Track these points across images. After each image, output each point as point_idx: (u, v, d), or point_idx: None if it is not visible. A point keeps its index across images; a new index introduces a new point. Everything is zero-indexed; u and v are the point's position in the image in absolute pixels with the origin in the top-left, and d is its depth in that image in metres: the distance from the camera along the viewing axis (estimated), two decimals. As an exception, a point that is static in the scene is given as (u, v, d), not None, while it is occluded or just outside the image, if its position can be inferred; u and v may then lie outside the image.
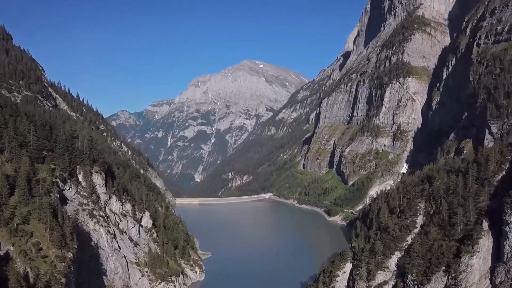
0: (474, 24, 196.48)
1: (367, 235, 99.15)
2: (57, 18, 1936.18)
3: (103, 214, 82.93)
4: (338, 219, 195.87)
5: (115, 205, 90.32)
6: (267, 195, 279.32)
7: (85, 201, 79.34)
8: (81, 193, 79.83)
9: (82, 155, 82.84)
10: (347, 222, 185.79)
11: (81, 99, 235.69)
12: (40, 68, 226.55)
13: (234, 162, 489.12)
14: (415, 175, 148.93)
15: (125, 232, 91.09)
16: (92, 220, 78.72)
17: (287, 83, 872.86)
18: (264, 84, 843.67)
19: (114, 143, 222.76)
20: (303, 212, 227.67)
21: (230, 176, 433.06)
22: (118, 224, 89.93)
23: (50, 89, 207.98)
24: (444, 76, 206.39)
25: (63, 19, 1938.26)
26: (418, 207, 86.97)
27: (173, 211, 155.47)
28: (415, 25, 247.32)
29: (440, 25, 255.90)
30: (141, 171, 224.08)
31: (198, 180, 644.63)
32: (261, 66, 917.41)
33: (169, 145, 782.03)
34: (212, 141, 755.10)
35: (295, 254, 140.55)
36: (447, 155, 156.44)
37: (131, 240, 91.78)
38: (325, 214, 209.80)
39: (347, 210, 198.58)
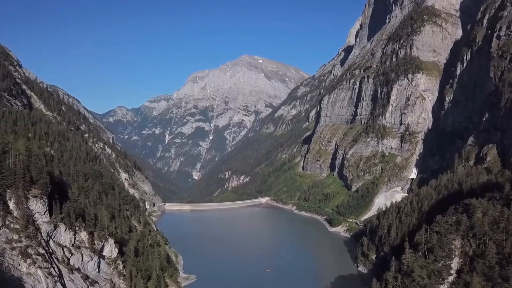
0: (492, 14, 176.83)
1: (385, 279, 78.70)
2: (54, 14, 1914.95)
3: (44, 251, 64.20)
4: (341, 230, 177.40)
5: (64, 236, 71.68)
6: (264, 200, 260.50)
7: (15, 236, 60.78)
8: (11, 226, 61.27)
9: (13, 176, 64.15)
10: (351, 234, 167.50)
11: (61, 97, 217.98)
12: (15, 63, 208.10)
13: (232, 161, 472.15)
14: (430, 185, 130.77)
15: (78, 269, 72.46)
16: (25, 261, 60.15)
17: (286, 79, 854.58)
18: (263, 79, 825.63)
19: (96, 145, 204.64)
20: (302, 220, 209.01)
21: (227, 176, 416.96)
22: (68, 260, 71.30)
23: (24, 86, 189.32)
24: (458, 72, 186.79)
25: (60, 15, 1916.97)
26: (453, 246, 67.28)
27: (154, 227, 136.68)
28: (424, 16, 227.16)
29: (451, 17, 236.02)
30: (126, 176, 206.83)
31: (196, 178, 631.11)
32: (260, 61, 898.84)
33: (166, 141, 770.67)
34: (210, 137, 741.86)
35: (292, 277, 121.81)
36: (466, 162, 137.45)
37: (86, 278, 73.16)
38: (327, 223, 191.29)
39: (350, 220, 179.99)
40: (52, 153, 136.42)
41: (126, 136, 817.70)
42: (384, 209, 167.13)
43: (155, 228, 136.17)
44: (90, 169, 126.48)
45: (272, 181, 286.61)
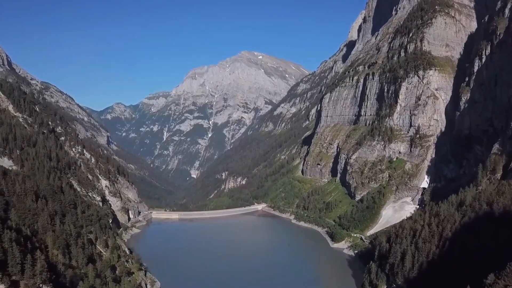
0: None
1: None
2: (51, 11, 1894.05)
3: None
4: (344, 246, 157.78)
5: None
6: (260, 207, 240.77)
7: None
8: None
9: None
10: (356, 252, 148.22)
11: (35, 96, 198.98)
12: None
13: (229, 161, 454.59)
14: (449, 201, 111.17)
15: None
16: None
17: (286, 75, 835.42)
18: (263, 76, 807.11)
19: (73, 149, 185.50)
20: (301, 232, 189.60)
21: (223, 177, 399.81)
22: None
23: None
24: (476, 68, 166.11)
25: (57, 11, 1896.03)
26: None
27: (126, 250, 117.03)
28: (436, 7, 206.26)
29: (465, 7, 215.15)
30: (107, 183, 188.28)
31: (195, 176, 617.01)
32: (260, 57, 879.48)
33: (164, 139, 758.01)
34: (209, 135, 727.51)
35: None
36: (491, 174, 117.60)
37: None
38: (328, 237, 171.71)
39: (354, 235, 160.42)
40: (8, 164, 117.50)
41: (124, 134, 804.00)
42: (392, 223, 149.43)
43: (127, 251, 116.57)
44: (47, 184, 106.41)
45: (269, 186, 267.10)
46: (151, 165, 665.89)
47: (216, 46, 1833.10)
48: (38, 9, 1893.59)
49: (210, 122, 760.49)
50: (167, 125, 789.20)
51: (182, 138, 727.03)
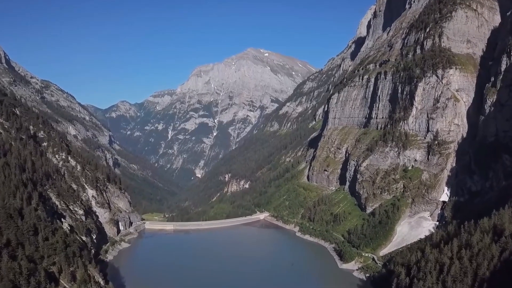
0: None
1: None
2: (55, 9, 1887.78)
3: None
4: (354, 267, 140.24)
5: None
6: (262, 216, 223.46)
7: None
8: None
9: None
10: (367, 275, 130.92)
11: (18, 98, 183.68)
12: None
13: (233, 162, 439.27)
14: (481, 227, 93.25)
15: None
16: None
17: (293, 73, 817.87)
18: (269, 73, 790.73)
19: (57, 155, 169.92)
20: (306, 247, 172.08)
21: (226, 179, 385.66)
22: None
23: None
24: (503, 67, 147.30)
25: (62, 9, 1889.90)
26: None
27: (100, 280, 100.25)
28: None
29: (487, 0, 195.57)
30: (93, 192, 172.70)
31: (199, 176, 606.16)
32: (266, 54, 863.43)
33: (169, 138, 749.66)
34: (214, 134, 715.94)
35: None
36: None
37: None
38: (336, 255, 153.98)
39: (366, 254, 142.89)
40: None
41: (129, 132, 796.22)
42: (409, 242, 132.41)
43: (101, 282, 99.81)
44: (2, 206, 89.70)
45: (272, 192, 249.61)
46: (156, 164, 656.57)
47: (221, 44, 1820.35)
48: (39, 7, 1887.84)
49: (215, 120, 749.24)
50: (172, 124, 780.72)
51: (187, 136, 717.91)
